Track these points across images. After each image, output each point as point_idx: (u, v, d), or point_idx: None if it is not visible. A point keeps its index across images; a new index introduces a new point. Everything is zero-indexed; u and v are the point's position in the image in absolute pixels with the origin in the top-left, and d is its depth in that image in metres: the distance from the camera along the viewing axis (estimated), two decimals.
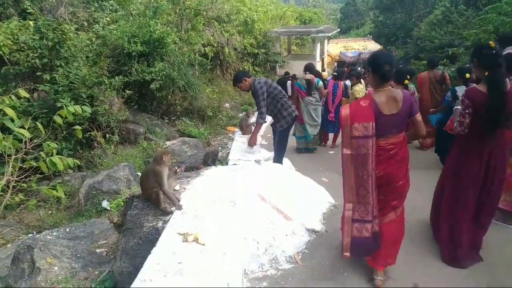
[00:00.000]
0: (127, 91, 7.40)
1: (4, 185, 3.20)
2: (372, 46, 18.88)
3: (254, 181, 3.46)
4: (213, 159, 6.01)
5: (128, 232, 2.77)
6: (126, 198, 3.42)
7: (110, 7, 9.35)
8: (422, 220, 3.26)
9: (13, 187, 3.45)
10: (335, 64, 16.71)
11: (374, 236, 2.37)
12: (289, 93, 6.63)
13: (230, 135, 8.86)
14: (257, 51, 14.11)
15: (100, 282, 2.82)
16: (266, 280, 2.58)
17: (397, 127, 2.34)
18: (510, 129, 2.72)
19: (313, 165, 5.60)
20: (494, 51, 2.54)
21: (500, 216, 3.31)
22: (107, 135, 6.93)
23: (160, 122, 8.52)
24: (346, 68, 9.97)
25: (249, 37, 13.77)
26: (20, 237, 4.56)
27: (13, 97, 2.97)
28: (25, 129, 3.02)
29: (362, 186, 2.31)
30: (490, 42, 2.63)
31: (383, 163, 2.33)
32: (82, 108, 3.11)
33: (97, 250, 3.63)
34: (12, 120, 2.90)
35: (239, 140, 7.28)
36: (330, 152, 6.39)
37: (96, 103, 6.75)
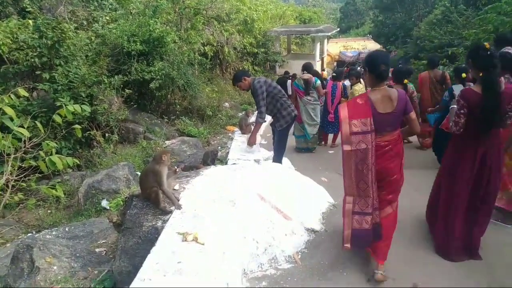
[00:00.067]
0: (127, 90, 7.39)
1: (4, 184, 3.20)
2: (372, 45, 18.90)
3: (254, 180, 3.46)
4: (212, 158, 6.01)
5: (127, 231, 2.77)
6: (126, 198, 3.42)
7: (110, 6, 9.35)
8: (421, 220, 3.27)
9: (13, 186, 3.44)
10: (335, 63, 16.73)
11: (374, 227, 2.45)
12: (289, 92, 6.63)
13: (230, 134, 8.86)
14: (256, 50, 14.11)
15: (100, 282, 2.81)
16: (265, 279, 2.58)
17: (392, 125, 2.42)
18: (505, 127, 2.75)
19: (313, 165, 5.60)
20: (489, 52, 2.56)
21: (500, 216, 3.31)
22: (107, 135, 6.92)
23: (159, 122, 8.51)
24: (345, 68, 9.97)
25: (248, 36, 13.77)
26: (20, 237, 4.55)
27: (12, 96, 2.96)
28: (24, 128, 3.02)
29: (362, 180, 2.39)
30: (485, 43, 2.65)
31: (378, 158, 2.41)
32: (81, 107, 3.11)
33: (97, 250, 3.62)
34: (12, 119, 2.89)
35: (239, 140, 7.26)
36: (330, 152, 6.39)
37: (95, 102, 6.74)
